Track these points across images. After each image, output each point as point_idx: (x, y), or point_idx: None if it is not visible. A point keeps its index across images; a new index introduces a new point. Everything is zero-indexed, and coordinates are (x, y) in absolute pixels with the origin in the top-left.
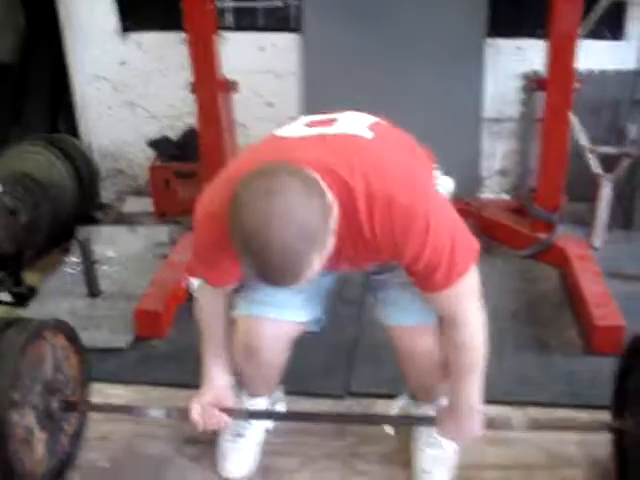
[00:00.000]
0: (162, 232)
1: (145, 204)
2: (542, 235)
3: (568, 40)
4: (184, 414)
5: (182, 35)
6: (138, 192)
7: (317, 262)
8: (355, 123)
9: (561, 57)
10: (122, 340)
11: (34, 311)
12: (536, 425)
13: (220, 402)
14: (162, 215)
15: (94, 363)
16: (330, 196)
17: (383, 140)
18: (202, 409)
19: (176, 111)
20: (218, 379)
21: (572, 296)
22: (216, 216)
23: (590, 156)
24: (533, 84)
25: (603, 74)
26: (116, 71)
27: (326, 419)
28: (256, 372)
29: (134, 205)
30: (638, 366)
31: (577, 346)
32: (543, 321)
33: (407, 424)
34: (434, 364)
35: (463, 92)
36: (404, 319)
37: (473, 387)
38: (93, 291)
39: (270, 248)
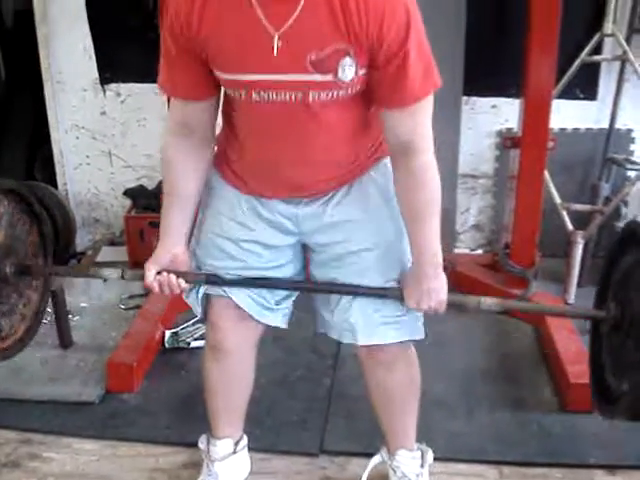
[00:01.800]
0: (135, 283)
1: (120, 254)
2: (516, 291)
3: (542, 99)
4: (138, 276)
5: None
6: (113, 241)
7: None
8: None
9: (535, 116)
10: (92, 394)
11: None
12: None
13: (177, 266)
14: (136, 265)
15: (64, 416)
16: None
17: None
18: (157, 272)
19: (153, 161)
20: (175, 243)
21: (547, 353)
22: None
23: (563, 213)
24: (507, 142)
25: (576, 132)
26: (95, 121)
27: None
28: (223, 379)
29: (108, 254)
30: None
31: (552, 403)
32: (518, 378)
33: (370, 295)
34: (410, 395)
35: (439, 148)
36: (373, 334)
37: (432, 232)
38: (65, 342)
39: None
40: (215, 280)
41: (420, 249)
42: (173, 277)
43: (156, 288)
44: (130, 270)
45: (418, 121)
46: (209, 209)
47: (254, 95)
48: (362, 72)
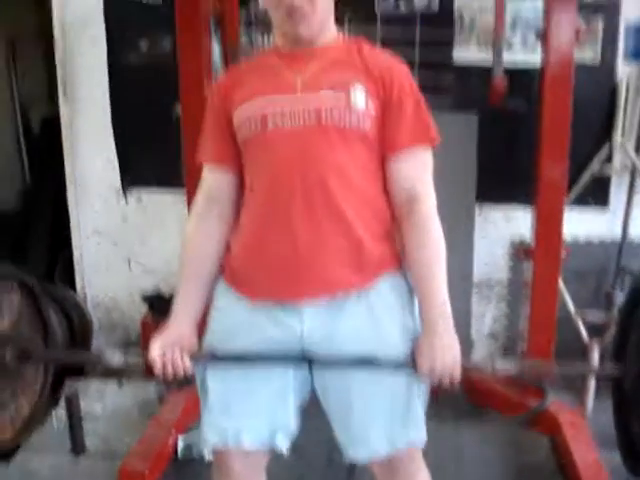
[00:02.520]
0: (151, 389)
1: (135, 358)
2: (533, 401)
3: (554, 209)
4: (141, 360)
5: (182, 194)
6: (129, 345)
7: None
8: None
9: (547, 226)
10: None
11: (17, 464)
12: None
13: (183, 345)
14: (152, 371)
15: None
16: None
17: None
18: (162, 348)
19: (171, 267)
20: (186, 322)
21: (564, 465)
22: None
23: (578, 322)
24: (521, 254)
25: (589, 242)
26: (116, 226)
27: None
28: None
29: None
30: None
31: None
32: None
33: (384, 367)
34: None
35: (453, 257)
36: (379, 446)
37: (439, 282)
38: (77, 448)
39: None
40: (220, 359)
41: (429, 300)
42: (177, 355)
43: (159, 364)
44: (134, 353)
45: (417, 169)
46: (213, 324)
47: (270, 124)
48: (372, 109)
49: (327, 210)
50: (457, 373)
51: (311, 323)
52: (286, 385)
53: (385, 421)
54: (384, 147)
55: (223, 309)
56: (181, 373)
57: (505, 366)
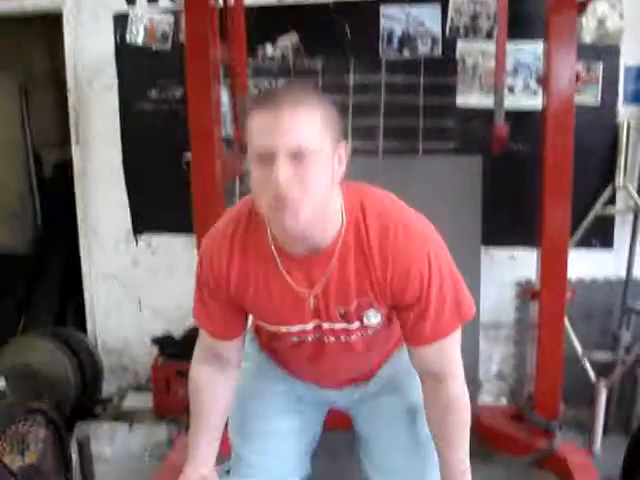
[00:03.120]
0: (161, 431)
1: (145, 400)
2: (542, 442)
3: (558, 250)
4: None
5: (191, 238)
6: (139, 388)
7: (319, 125)
8: None
9: (552, 267)
10: None
11: None
12: None
13: None
14: (162, 413)
15: None
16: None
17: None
18: None
19: (181, 310)
20: (204, 461)
21: None
22: (219, 230)
23: (585, 362)
24: (527, 295)
25: (594, 282)
26: (127, 270)
27: None
28: None
29: (134, 401)
30: None
31: None
32: None
33: None
34: None
35: None
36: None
37: (463, 451)
38: None
39: (279, 100)
40: None
41: (450, 464)
42: None
43: None
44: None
45: (444, 354)
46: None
47: (291, 339)
48: (385, 312)
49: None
50: None
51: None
52: (307, 435)
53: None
54: (405, 334)
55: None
56: None
57: None
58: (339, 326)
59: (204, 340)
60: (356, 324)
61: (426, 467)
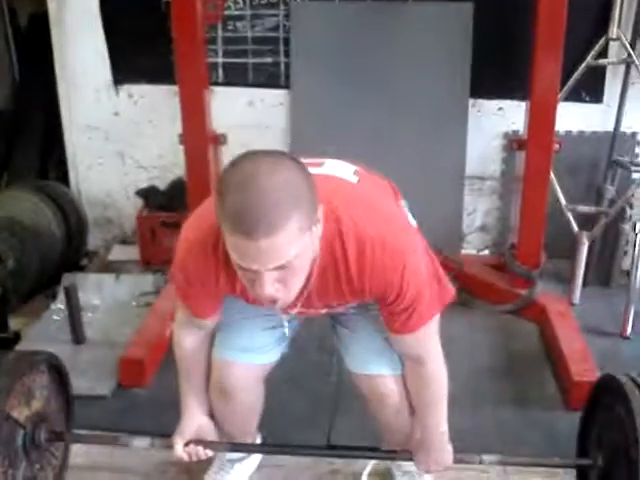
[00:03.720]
0: (147, 281)
1: (131, 252)
2: (522, 291)
3: (548, 102)
4: (168, 444)
5: (174, 88)
6: (125, 241)
7: (297, 232)
8: (341, 167)
9: (541, 119)
10: (105, 387)
11: None
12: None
13: (202, 436)
14: (148, 264)
15: (77, 410)
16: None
17: (367, 185)
18: (185, 443)
19: (165, 161)
20: (198, 414)
21: (551, 352)
22: (201, 241)
23: (569, 215)
24: (513, 144)
25: (581, 135)
26: (108, 121)
27: (308, 453)
28: (232, 416)
29: (120, 253)
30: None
31: (556, 401)
32: (522, 377)
33: (384, 459)
34: (405, 418)
35: (446, 151)
36: (372, 367)
37: (440, 417)
38: (78, 338)
39: (248, 189)
40: (239, 449)
41: (429, 429)
42: (201, 449)
43: (186, 459)
44: (159, 439)
45: (422, 341)
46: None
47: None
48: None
49: None
50: (446, 467)
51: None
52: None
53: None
54: (386, 322)
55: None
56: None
57: (491, 459)
58: (319, 312)
59: (184, 314)
60: (335, 307)
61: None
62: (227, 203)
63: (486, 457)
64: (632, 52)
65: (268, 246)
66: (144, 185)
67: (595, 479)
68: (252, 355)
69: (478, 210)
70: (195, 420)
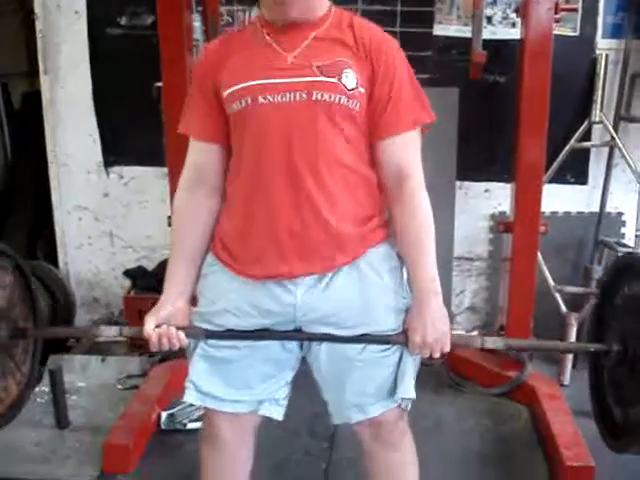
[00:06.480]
0: (133, 363)
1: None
2: (512, 373)
3: (533, 185)
4: (137, 332)
5: (163, 170)
6: (112, 321)
7: None
8: None
9: (526, 200)
10: (86, 475)
11: (1, 439)
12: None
13: (177, 319)
14: (134, 345)
15: None
16: None
17: None
18: (158, 323)
19: (153, 242)
20: (178, 295)
21: (542, 436)
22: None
23: (557, 295)
24: (500, 227)
25: (567, 216)
26: (98, 202)
27: (283, 337)
28: (221, 474)
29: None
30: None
31: None
32: (513, 461)
33: (379, 343)
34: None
35: (435, 232)
36: (372, 409)
37: (429, 257)
38: (61, 422)
39: None
40: (215, 335)
41: (419, 276)
42: (173, 329)
43: (154, 339)
44: (128, 328)
45: (406, 149)
46: (204, 292)
47: (260, 99)
48: (362, 89)
49: (307, 195)
50: (447, 346)
51: (304, 297)
52: (278, 357)
53: (378, 386)
54: (373, 129)
55: (212, 276)
56: (176, 347)
57: (494, 343)
58: (314, 79)
59: (188, 157)
60: (334, 79)
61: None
62: None
63: (487, 339)
64: (615, 135)
65: None
66: (132, 266)
67: (611, 364)
68: (234, 404)
69: (467, 290)
70: (173, 301)
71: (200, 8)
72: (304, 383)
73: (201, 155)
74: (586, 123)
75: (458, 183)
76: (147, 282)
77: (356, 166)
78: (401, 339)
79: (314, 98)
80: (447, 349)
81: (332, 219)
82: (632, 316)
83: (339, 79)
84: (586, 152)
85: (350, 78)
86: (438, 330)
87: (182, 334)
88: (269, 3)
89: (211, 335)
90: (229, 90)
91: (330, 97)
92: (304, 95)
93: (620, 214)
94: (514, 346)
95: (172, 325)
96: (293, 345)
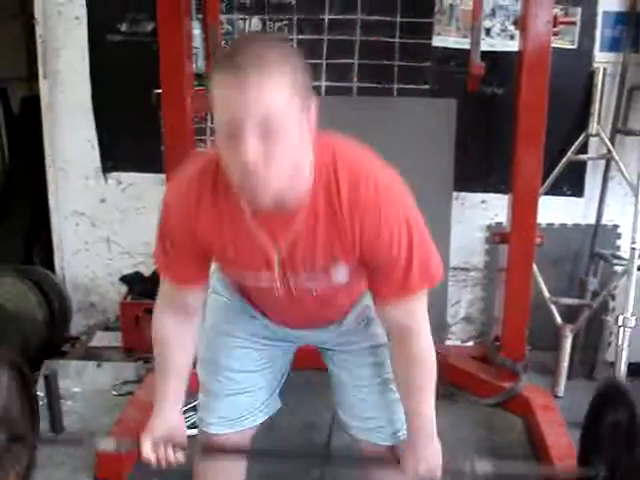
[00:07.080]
0: (129, 369)
1: (114, 339)
2: (507, 384)
3: (529, 196)
4: (135, 446)
5: (161, 176)
6: (108, 327)
7: (288, 86)
8: None
9: (523, 212)
10: None
11: None
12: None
13: (173, 437)
14: (130, 351)
15: None
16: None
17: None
18: (154, 445)
19: (151, 249)
20: (171, 413)
21: (536, 447)
22: (186, 186)
23: (552, 307)
24: (496, 238)
25: (563, 228)
26: (95, 208)
27: (292, 455)
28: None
29: (103, 339)
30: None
31: None
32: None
33: (372, 465)
34: None
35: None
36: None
37: (428, 402)
38: (56, 428)
39: (241, 47)
40: (212, 449)
41: (415, 418)
42: (170, 449)
43: (154, 460)
44: (125, 442)
45: (413, 310)
46: (211, 318)
47: (259, 283)
48: (354, 268)
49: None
50: (438, 475)
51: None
52: (277, 359)
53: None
54: (373, 291)
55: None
56: (174, 465)
57: (484, 468)
58: (305, 277)
59: (166, 289)
60: (322, 277)
61: (394, 410)
62: (218, 59)
63: (479, 465)
64: (612, 148)
65: (256, 84)
66: (129, 271)
67: None
68: (234, 423)
69: (462, 301)
70: (167, 420)
71: (200, 16)
72: (300, 392)
73: (181, 296)
74: (583, 136)
75: (455, 194)
76: (144, 288)
77: (353, 284)
78: (397, 462)
79: (308, 288)
80: (438, 478)
81: (333, 315)
82: (617, 441)
83: (329, 279)
84: (583, 164)
85: (340, 274)
86: (431, 466)
87: (180, 454)
88: (237, 175)
89: (209, 451)
90: (220, 263)
91: (323, 290)
92: (298, 286)
93: (616, 226)
94: (503, 472)
95: (169, 443)
96: (290, 345)
